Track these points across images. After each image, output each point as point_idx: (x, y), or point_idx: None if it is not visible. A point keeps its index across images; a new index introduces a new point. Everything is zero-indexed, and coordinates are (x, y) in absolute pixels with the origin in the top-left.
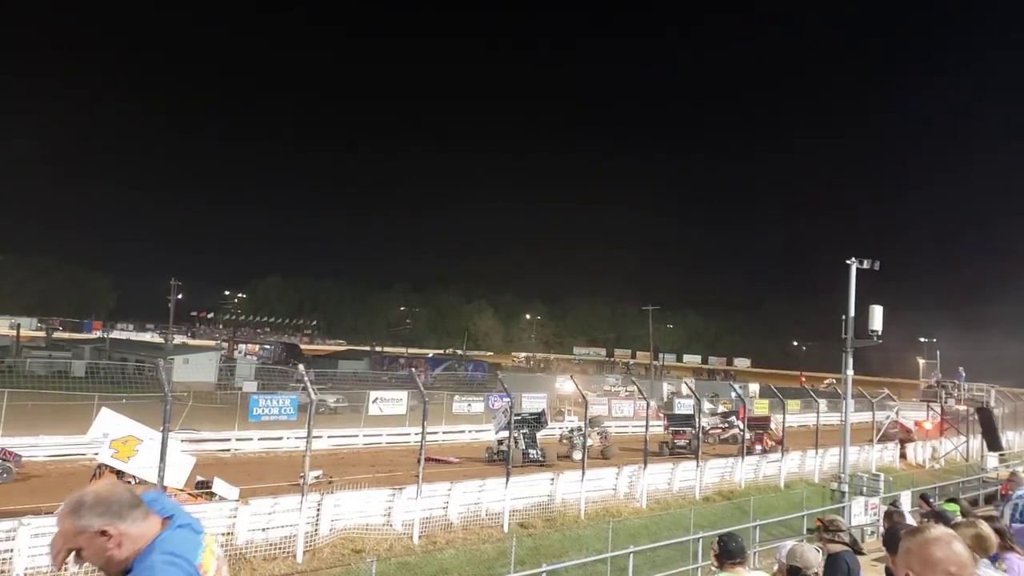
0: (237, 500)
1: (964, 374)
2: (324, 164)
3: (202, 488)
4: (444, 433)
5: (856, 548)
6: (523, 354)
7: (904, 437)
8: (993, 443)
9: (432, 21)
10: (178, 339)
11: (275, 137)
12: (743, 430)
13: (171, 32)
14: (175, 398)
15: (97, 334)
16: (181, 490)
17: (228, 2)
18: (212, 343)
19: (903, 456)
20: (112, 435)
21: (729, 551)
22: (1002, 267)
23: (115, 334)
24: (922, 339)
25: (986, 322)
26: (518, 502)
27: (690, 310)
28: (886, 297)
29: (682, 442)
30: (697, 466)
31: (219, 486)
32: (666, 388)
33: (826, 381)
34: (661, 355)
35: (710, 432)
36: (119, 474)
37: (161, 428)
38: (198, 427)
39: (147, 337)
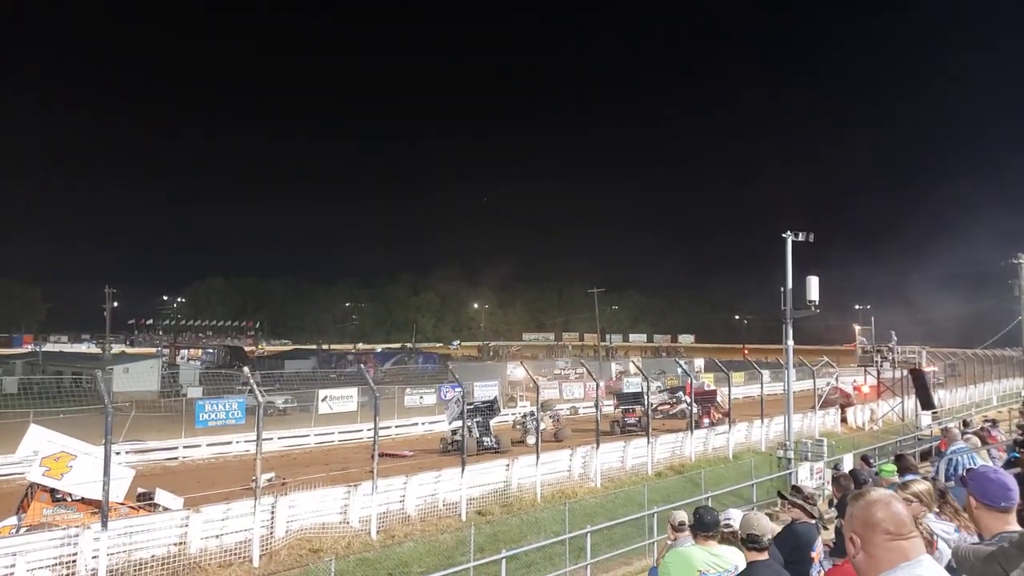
0: (183, 509)
1: (896, 338)
2: (263, 159)
3: (144, 500)
4: (397, 427)
5: (820, 523)
6: (473, 343)
7: (844, 402)
8: (926, 402)
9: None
10: (116, 348)
11: (211, 133)
12: (690, 404)
13: (90, 25)
14: (116, 409)
15: (28, 347)
16: (121, 503)
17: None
18: (152, 351)
19: (844, 420)
20: (43, 452)
21: (705, 524)
22: (931, 233)
23: (48, 347)
24: (857, 306)
25: (918, 286)
26: (475, 490)
27: (634, 290)
28: (822, 267)
29: (632, 420)
30: (648, 443)
31: (161, 496)
32: (614, 368)
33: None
34: (608, 336)
35: (659, 408)
36: (52, 492)
37: (103, 442)
38: (143, 437)
39: (83, 348)
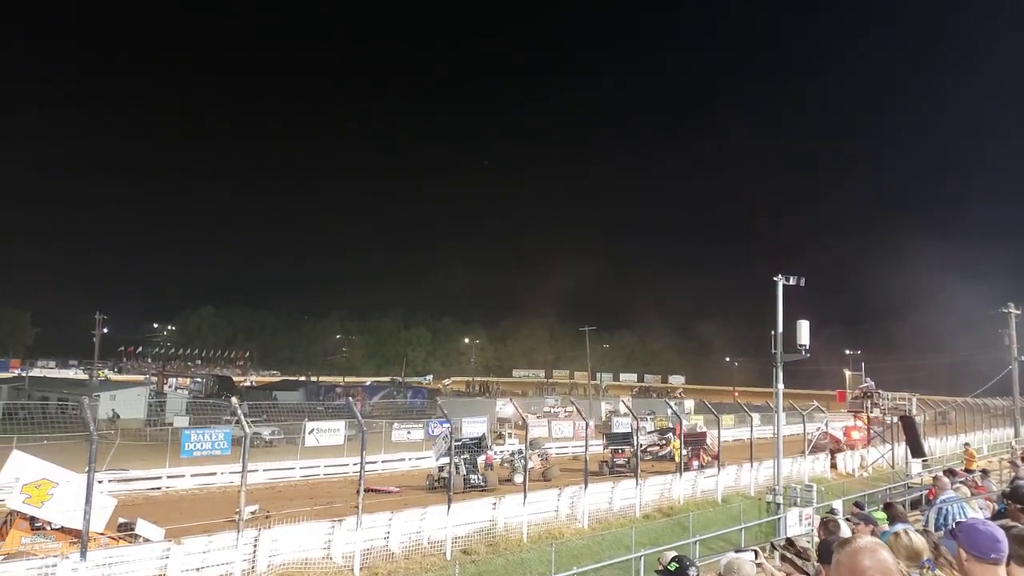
0: (164, 540)
1: (873, 384)
2: (257, 190)
3: (124, 530)
4: (383, 462)
5: None
6: (462, 379)
7: (834, 447)
8: (916, 450)
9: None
10: (104, 374)
11: (206, 163)
12: (680, 446)
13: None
14: (101, 436)
15: (15, 372)
16: (101, 533)
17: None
18: (140, 378)
19: (833, 466)
20: (24, 479)
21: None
22: (924, 280)
23: (35, 372)
24: (847, 351)
25: (908, 334)
26: (460, 528)
27: (625, 329)
28: (814, 311)
29: (621, 460)
30: (637, 484)
31: (143, 527)
32: (604, 407)
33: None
34: (599, 375)
35: (648, 449)
36: (32, 520)
37: (86, 469)
38: (127, 466)
39: (70, 374)
